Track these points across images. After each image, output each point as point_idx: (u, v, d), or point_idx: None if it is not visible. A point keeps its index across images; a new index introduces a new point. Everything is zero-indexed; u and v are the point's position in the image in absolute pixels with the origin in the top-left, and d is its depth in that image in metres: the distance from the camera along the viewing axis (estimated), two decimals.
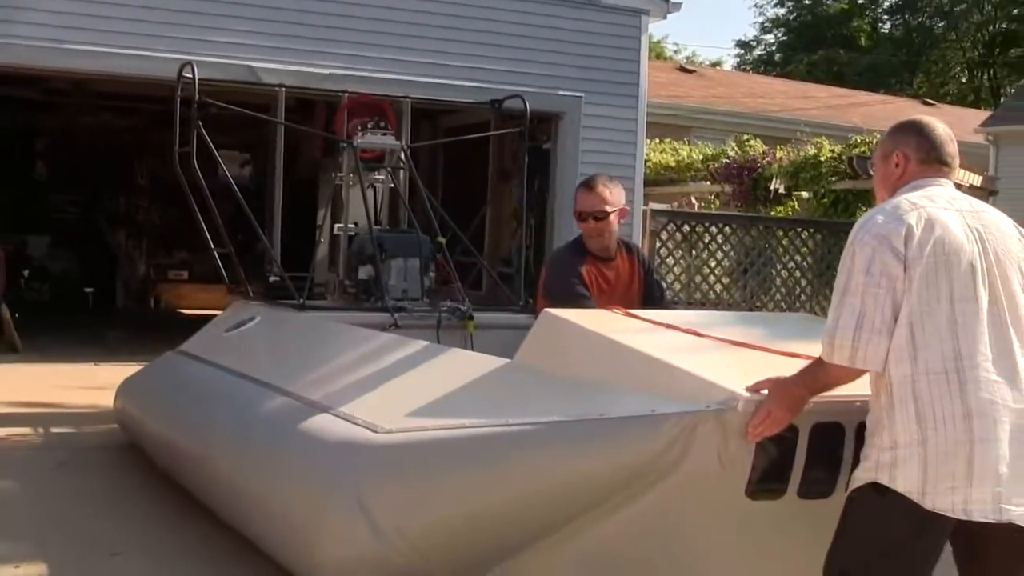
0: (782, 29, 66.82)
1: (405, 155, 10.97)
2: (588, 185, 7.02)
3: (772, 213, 19.76)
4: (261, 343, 8.63)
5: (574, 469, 4.76)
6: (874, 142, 18.73)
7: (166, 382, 8.93)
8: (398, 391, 6.09)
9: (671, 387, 4.58)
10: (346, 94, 11.52)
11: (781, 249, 17.39)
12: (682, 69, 38.60)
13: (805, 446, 4.40)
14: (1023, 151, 29.43)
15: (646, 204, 17.30)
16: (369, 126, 10.78)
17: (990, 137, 31.43)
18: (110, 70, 13.98)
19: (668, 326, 5.52)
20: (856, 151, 18.97)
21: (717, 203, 21.21)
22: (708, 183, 21.66)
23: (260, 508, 6.09)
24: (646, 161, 19.21)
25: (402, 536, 5.00)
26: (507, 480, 4.97)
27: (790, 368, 4.36)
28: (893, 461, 3.89)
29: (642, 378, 4.80)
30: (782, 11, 66.53)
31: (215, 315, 10.37)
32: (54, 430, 9.85)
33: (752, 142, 22.74)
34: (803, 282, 17.25)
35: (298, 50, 14.26)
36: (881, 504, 3.92)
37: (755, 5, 72.16)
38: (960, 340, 3.89)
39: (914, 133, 4.32)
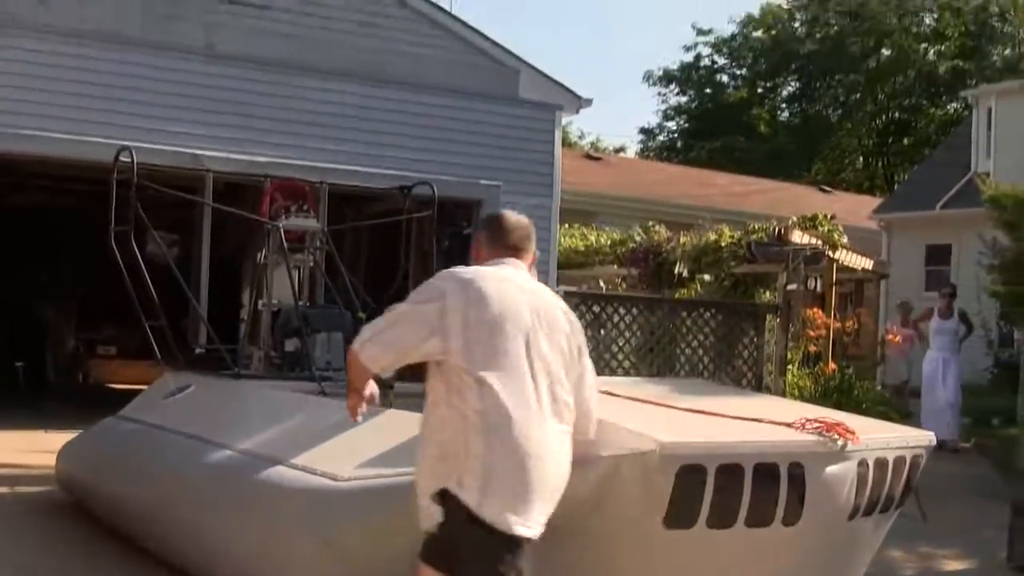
0: (684, 116, 67.81)
1: (324, 236, 11.59)
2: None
3: (676, 295, 20.29)
4: (202, 406, 9.06)
5: None
6: (772, 229, 19.83)
7: (112, 443, 9.38)
8: (342, 445, 6.60)
9: (598, 435, 5.14)
10: (268, 179, 12.12)
11: (685, 328, 18.09)
12: (588, 156, 39.35)
13: (712, 483, 5.16)
14: (912, 237, 30.25)
15: (558, 286, 17.94)
16: (292, 209, 11.45)
17: (882, 223, 32.18)
18: (48, 153, 14.64)
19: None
20: (754, 237, 19.74)
21: (624, 285, 21.71)
22: (616, 266, 22.16)
23: (224, 551, 6.67)
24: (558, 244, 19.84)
25: (366, 568, 5.70)
26: None
27: (691, 419, 5.39)
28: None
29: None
30: (684, 99, 67.77)
31: (144, 388, 10.80)
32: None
33: (657, 228, 23.10)
34: (705, 359, 17.74)
35: (226, 138, 15.11)
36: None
37: (658, 93, 72.75)
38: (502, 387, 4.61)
39: (486, 226, 5.23)
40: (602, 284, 21.69)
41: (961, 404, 18.63)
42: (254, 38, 15.88)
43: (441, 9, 17.57)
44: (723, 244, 20.43)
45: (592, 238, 24.28)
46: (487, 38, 17.79)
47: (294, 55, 16.14)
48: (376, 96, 16.53)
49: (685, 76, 66.64)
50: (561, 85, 18.11)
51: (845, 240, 21.80)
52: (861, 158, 65.28)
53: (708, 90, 66.55)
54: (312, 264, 11.46)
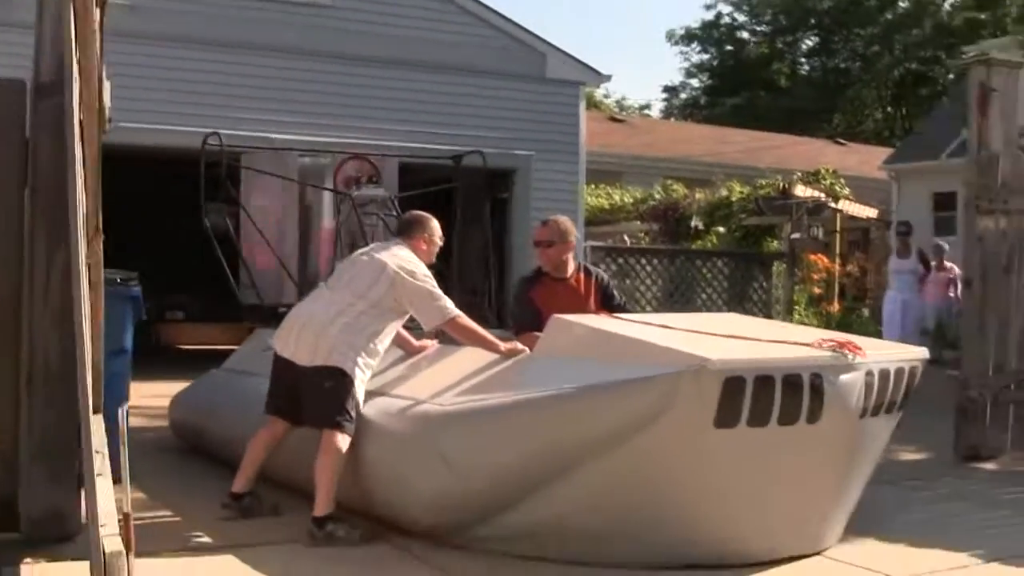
0: (706, 74, 67.73)
1: (392, 202, 12.64)
2: (544, 222, 8.59)
3: (693, 246, 21.78)
4: None
5: (599, 419, 6.24)
6: (778, 184, 21.54)
7: (221, 391, 10.02)
8: (445, 377, 7.30)
9: (660, 358, 6.17)
10: (341, 154, 13.41)
11: (701, 276, 19.90)
12: (613, 119, 39.88)
13: (751, 391, 6.10)
14: (920, 186, 30.67)
15: (586, 241, 19.29)
16: (363, 180, 12.72)
17: (892, 173, 32.58)
18: (150, 143, 16.33)
19: (642, 322, 7.32)
20: (761, 192, 21.48)
21: (646, 239, 23.21)
22: (638, 223, 23.85)
23: (359, 471, 7.32)
24: (585, 205, 21.20)
25: (470, 473, 6.62)
26: (545, 430, 6.41)
27: (736, 345, 6.50)
28: None
29: (635, 354, 6.37)
30: (705, 57, 67.60)
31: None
32: None
33: (675, 186, 24.83)
34: (720, 302, 19.62)
35: (300, 123, 16.71)
36: None
37: (680, 52, 72.55)
38: None
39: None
40: (626, 239, 23.17)
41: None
42: (321, 34, 17.59)
43: (478, 2, 19.09)
44: (734, 199, 22.11)
45: (616, 197, 25.96)
46: (519, 26, 19.36)
47: (356, 49, 17.85)
48: (425, 80, 18.16)
49: (706, 34, 66.46)
50: (584, 64, 19.63)
51: (847, 192, 23.50)
52: (880, 110, 65.15)
53: (729, 47, 66.49)
54: (383, 227, 12.30)
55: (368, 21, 17.88)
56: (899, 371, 6.85)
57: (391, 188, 13.55)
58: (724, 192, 22.80)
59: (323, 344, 7.25)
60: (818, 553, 6.86)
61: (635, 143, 35.23)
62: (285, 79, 17.16)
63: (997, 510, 8.58)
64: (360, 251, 7.96)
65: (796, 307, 20.05)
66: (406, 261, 7.48)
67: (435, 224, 7.94)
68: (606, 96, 64.88)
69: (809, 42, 66.78)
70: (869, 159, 38.39)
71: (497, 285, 14.98)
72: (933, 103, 52.38)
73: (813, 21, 64.35)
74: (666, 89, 72.61)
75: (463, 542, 6.82)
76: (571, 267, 8.56)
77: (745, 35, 67.19)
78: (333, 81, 17.55)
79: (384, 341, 7.47)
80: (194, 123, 15.07)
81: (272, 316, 10.88)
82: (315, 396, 7.21)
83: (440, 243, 8.00)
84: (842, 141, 46.88)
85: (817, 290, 21.35)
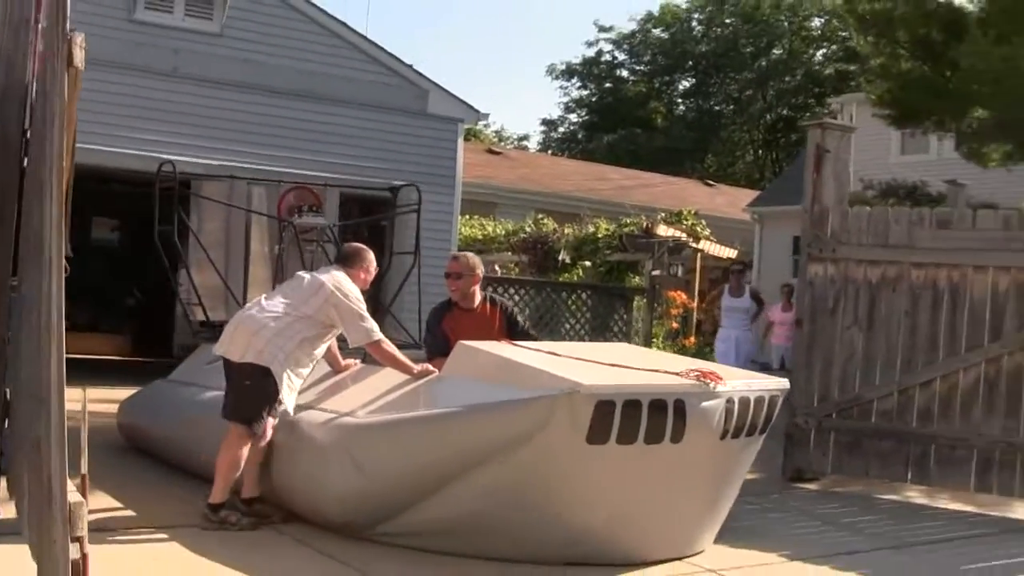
0: (585, 109, 68.43)
1: (331, 230, 13.39)
2: (455, 257, 9.44)
3: (560, 279, 22.67)
4: None
5: (485, 434, 7.06)
6: (642, 223, 22.61)
7: (166, 399, 10.72)
8: (363, 394, 8.17)
9: (540, 382, 6.95)
10: (281, 183, 14.05)
11: (566, 307, 20.90)
12: (490, 151, 40.20)
13: (619, 413, 6.87)
14: (781, 229, 30.85)
15: None
16: (304, 209, 13.48)
17: (755, 216, 33.34)
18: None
19: (536, 350, 7.97)
20: (626, 230, 22.51)
21: (516, 270, 23.96)
22: (509, 253, 24.59)
23: (285, 472, 8.15)
24: (459, 235, 21.91)
25: (377, 476, 7.48)
26: (441, 443, 7.23)
27: (611, 372, 7.32)
28: None
29: (521, 378, 7.12)
30: (584, 92, 68.27)
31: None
32: None
33: (546, 220, 25.66)
34: (582, 333, 20.52)
35: (193, 145, 17.32)
36: None
37: (560, 87, 73.14)
38: None
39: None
40: (497, 268, 23.65)
41: None
42: (213, 62, 18.26)
43: (367, 40, 19.92)
44: (600, 236, 23.07)
45: (490, 228, 26.75)
46: (404, 63, 20.22)
47: (248, 77, 18.57)
48: (313, 111, 18.96)
49: (586, 70, 67.33)
50: (463, 102, 20.48)
51: (708, 232, 24.71)
52: (751, 152, 66.18)
53: (608, 84, 67.30)
54: (323, 253, 13.16)
55: (262, 52, 18.64)
56: (759, 399, 7.65)
57: (331, 217, 14.37)
58: (591, 228, 23.73)
59: (255, 343, 7.88)
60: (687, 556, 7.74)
61: (511, 176, 35.77)
62: (178, 103, 17.84)
63: (811, 521, 9.70)
64: (301, 272, 8.73)
65: (655, 340, 21.01)
66: (343, 283, 8.17)
67: (371, 256, 8.63)
68: (485, 126, 64.96)
69: (686, 83, 67.65)
70: (736, 200, 39.21)
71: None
72: (800, 149, 53.20)
73: (690, 63, 65.19)
74: (545, 122, 73.32)
75: (369, 536, 7.60)
76: (478, 298, 9.32)
77: (624, 73, 67.95)
78: (226, 108, 18.26)
79: (313, 353, 8.18)
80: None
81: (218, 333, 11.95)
82: (235, 391, 7.98)
83: (374, 273, 8.70)
84: (711, 182, 47.67)
85: (675, 325, 22.49)
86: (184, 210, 12.90)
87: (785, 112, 62.69)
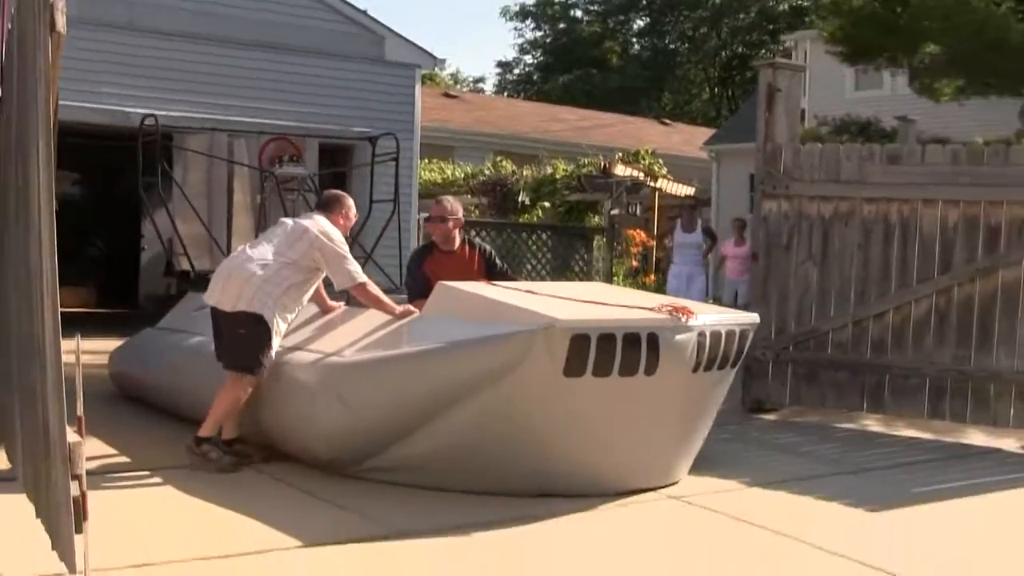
0: (540, 51, 68.57)
1: (312, 180, 13.74)
2: (437, 201, 9.55)
3: (520, 220, 22.94)
4: None
5: (466, 368, 7.28)
6: (599, 163, 22.82)
7: (158, 346, 10.95)
8: (347, 335, 8.36)
9: (518, 319, 7.17)
10: (262, 135, 14.34)
11: (526, 248, 21.16)
12: (447, 95, 40.29)
13: (595, 346, 7.12)
14: (738, 166, 30.56)
15: (419, 214, 20.17)
16: (285, 159, 13.73)
17: (712, 154, 33.62)
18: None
19: (514, 289, 8.13)
20: (584, 170, 22.76)
21: (476, 212, 23.88)
22: (469, 196, 24.41)
23: (275, 413, 8.38)
24: (419, 179, 22.04)
25: (363, 413, 7.71)
26: (424, 378, 7.43)
27: (586, 308, 7.51)
28: None
29: (500, 316, 7.32)
30: (539, 34, 68.49)
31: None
32: None
33: (504, 162, 25.85)
34: (543, 273, 20.78)
35: (154, 98, 17.37)
36: None
37: (515, 28, 73.10)
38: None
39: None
40: None
41: None
42: (174, 14, 18.33)
43: None
44: (558, 177, 23.30)
45: (449, 171, 26.81)
46: (360, 10, 20.36)
47: (205, 29, 18.64)
48: (275, 61, 19.06)
49: (540, 12, 67.44)
50: (420, 48, 20.64)
51: (665, 171, 24.97)
52: (707, 91, 66.56)
53: (562, 25, 67.29)
54: (304, 202, 13.48)
55: (219, 3, 18.77)
56: (730, 333, 7.92)
57: (311, 167, 14.65)
58: (550, 170, 23.95)
59: (246, 291, 8.09)
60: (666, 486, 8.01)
61: (468, 119, 35.80)
62: (135, 55, 18.00)
63: (770, 451, 10.01)
64: (284, 218, 8.97)
65: (615, 278, 21.24)
66: (326, 227, 8.40)
67: (351, 202, 8.85)
68: (441, 70, 64.91)
69: (640, 22, 67.81)
70: (693, 139, 39.33)
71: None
72: (755, 86, 52.73)
73: (644, 2, 65.40)
74: (500, 64, 73.31)
75: (355, 473, 7.86)
76: (458, 241, 9.53)
77: (578, 14, 67.98)
78: (184, 59, 18.34)
79: (301, 297, 8.42)
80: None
81: (202, 281, 12.17)
82: (231, 340, 8.21)
83: (354, 219, 8.97)
84: (667, 121, 47.66)
85: (635, 263, 22.76)
86: (167, 162, 13.20)
87: (740, 50, 63.10)
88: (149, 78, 17.91)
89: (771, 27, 59.42)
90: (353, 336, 8.34)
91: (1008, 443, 10.74)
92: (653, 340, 7.32)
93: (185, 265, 13.36)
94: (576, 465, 7.59)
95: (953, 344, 10.98)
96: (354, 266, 8.38)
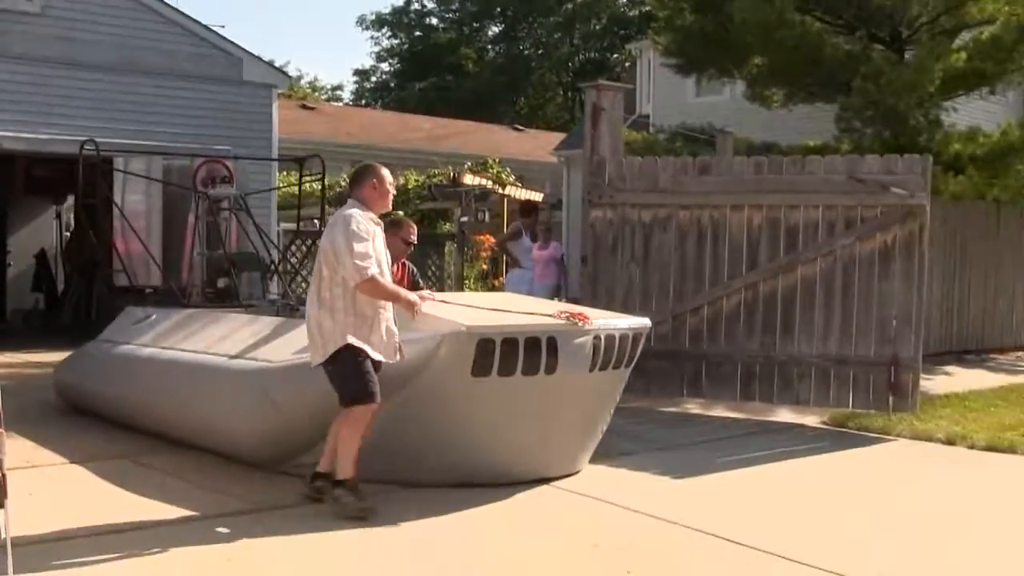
0: (396, 58, 69.58)
1: (242, 199, 14.24)
2: (410, 225, 10.20)
3: None
4: (168, 328, 11.20)
5: (385, 368, 7.61)
6: (449, 173, 23.81)
7: (100, 358, 11.48)
8: (272, 345, 9.08)
9: (431, 325, 7.79)
10: (196, 157, 15.05)
11: None
12: (304, 107, 40.82)
13: (499, 349, 7.77)
14: None
15: (278, 225, 21.38)
16: (218, 180, 14.23)
17: (562, 159, 33.28)
18: None
19: (430, 299, 8.39)
20: (435, 180, 23.79)
21: None
22: (327, 207, 25.61)
23: (203, 418, 9.14)
24: (277, 189, 22.50)
25: (289, 411, 8.32)
26: None
27: (492, 315, 8.10)
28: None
29: (416, 322, 7.78)
30: (395, 42, 69.50)
31: None
32: None
33: None
34: None
35: (20, 121, 18.23)
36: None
37: (371, 36, 73.49)
38: None
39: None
40: (316, 222, 23.71)
41: None
42: (34, 42, 18.82)
43: (181, 13, 20.71)
44: (410, 187, 24.33)
45: (306, 184, 27.71)
46: (220, 35, 21.12)
47: (68, 54, 19.15)
48: (134, 84, 19.71)
49: (396, 20, 68.34)
50: (276, 68, 21.63)
51: (512, 179, 26.07)
52: (561, 95, 67.51)
53: (418, 33, 68.33)
54: (236, 222, 14.10)
55: (80, 29, 19.32)
56: (623, 336, 8.61)
57: (242, 187, 15.19)
58: (402, 180, 24.82)
59: (317, 340, 7.60)
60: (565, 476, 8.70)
61: (325, 130, 36.27)
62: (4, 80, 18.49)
63: (618, 438, 10.53)
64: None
65: (466, 281, 22.28)
66: (336, 225, 7.54)
67: (383, 171, 7.89)
68: (299, 79, 65.16)
69: (495, 28, 69.02)
70: (546, 144, 39.62)
71: None
72: None
73: (498, 9, 66.58)
74: (357, 72, 74.27)
75: (286, 470, 8.46)
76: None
77: (434, 21, 69.00)
78: (49, 84, 18.91)
79: (359, 303, 7.54)
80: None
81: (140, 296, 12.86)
82: (331, 381, 7.61)
83: (391, 186, 7.98)
84: (520, 127, 48.58)
85: (484, 266, 23.78)
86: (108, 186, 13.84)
87: (593, 55, 64.45)
88: (11, 102, 18.44)
89: (622, 32, 60.57)
90: (287, 344, 8.93)
91: (810, 420, 12.11)
92: (552, 343, 8.02)
93: (123, 281, 13.98)
94: (488, 456, 8.28)
95: (760, 333, 12.20)
96: (360, 259, 7.43)
